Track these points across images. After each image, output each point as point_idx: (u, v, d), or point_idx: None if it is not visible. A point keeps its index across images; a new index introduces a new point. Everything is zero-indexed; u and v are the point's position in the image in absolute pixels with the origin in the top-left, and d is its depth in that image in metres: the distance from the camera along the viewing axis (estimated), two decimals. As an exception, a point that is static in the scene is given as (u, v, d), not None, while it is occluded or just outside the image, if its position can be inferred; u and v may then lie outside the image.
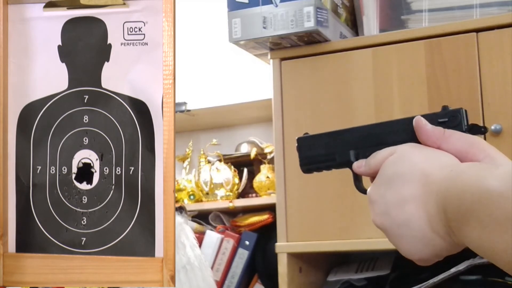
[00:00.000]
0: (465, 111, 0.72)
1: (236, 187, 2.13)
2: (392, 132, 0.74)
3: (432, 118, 0.71)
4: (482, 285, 1.45)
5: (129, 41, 1.16)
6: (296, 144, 0.82)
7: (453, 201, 0.60)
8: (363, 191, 0.77)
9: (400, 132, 0.74)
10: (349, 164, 0.77)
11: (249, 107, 2.11)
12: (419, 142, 0.71)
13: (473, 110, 1.42)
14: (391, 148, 0.71)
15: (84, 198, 1.17)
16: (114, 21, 1.16)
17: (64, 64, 1.19)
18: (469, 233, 0.58)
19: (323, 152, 0.79)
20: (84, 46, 1.18)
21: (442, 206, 0.62)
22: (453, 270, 1.45)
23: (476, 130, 0.72)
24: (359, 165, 0.74)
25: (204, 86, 2.17)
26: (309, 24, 1.48)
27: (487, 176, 0.57)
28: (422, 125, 0.70)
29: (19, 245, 1.20)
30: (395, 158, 0.69)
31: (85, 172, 1.18)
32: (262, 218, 2.04)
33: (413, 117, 0.73)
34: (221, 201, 2.10)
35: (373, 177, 0.73)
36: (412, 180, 0.66)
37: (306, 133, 0.82)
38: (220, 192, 2.11)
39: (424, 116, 0.72)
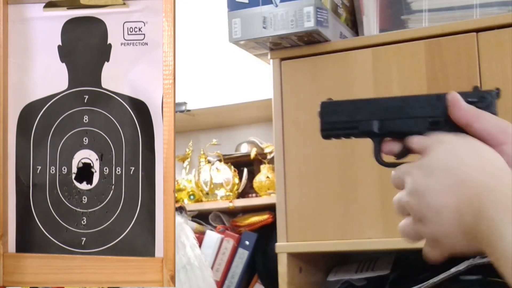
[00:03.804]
0: (496, 93, 0.71)
1: (236, 187, 2.13)
2: (419, 107, 0.74)
3: (464, 97, 0.71)
4: (482, 285, 1.45)
5: (129, 41, 1.16)
6: (319, 109, 0.80)
7: (485, 221, 0.60)
8: (383, 163, 0.76)
9: (427, 107, 0.73)
10: (370, 134, 0.76)
11: (249, 107, 2.11)
12: (447, 118, 0.71)
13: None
14: (442, 136, 0.69)
15: (84, 198, 1.17)
16: (114, 21, 1.17)
17: (64, 64, 1.19)
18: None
19: (345, 119, 0.78)
20: (84, 46, 1.18)
21: (474, 217, 0.62)
22: (453, 270, 1.45)
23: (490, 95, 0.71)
24: (416, 141, 0.72)
25: (204, 86, 2.17)
26: (309, 24, 1.48)
27: None
28: (458, 101, 0.70)
29: (19, 245, 1.20)
30: (447, 150, 0.68)
31: (85, 172, 1.18)
32: (262, 218, 2.04)
33: (441, 94, 0.72)
34: (221, 201, 2.10)
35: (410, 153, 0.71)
36: (455, 179, 0.65)
37: (330, 99, 0.81)
38: (220, 192, 2.11)
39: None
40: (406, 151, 0.75)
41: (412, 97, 0.75)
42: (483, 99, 0.71)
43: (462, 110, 0.70)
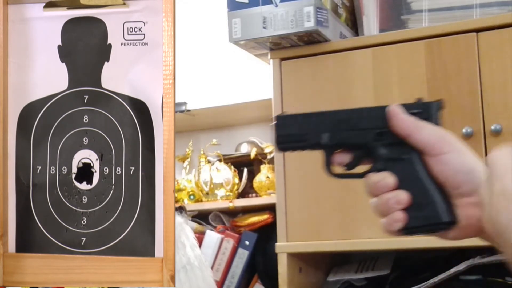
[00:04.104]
0: (437, 104, 0.74)
1: (236, 187, 2.13)
2: (365, 118, 0.76)
3: (405, 109, 0.74)
4: (482, 285, 1.45)
5: (129, 41, 1.16)
6: (274, 122, 0.82)
7: None
8: (332, 174, 0.79)
9: (373, 118, 0.76)
10: (321, 146, 0.79)
11: (249, 107, 2.11)
12: (390, 129, 0.73)
13: (473, 110, 1.42)
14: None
15: (84, 198, 1.17)
16: (114, 21, 1.17)
17: (64, 64, 1.19)
18: None
19: (298, 132, 0.80)
20: (84, 46, 1.18)
21: None
22: (453, 270, 1.45)
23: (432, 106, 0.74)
24: (397, 111, 0.74)
25: (204, 86, 2.16)
26: (309, 24, 1.48)
27: None
28: (396, 113, 0.72)
29: (19, 245, 1.20)
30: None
31: (85, 172, 1.18)
32: (262, 218, 2.04)
33: (385, 106, 0.74)
34: (221, 201, 2.10)
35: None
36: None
37: (285, 112, 0.83)
38: (220, 192, 2.11)
39: (399, 106, 0.74)
40: (355, 162, 0.78)
41: (359, 109, 0.77)
42: (425, 110, 0.73)
43: (401, 121, 0.72)
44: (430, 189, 0.72)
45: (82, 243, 1.17)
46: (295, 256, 1.58)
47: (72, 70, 1.19)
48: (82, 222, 1.17)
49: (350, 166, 0.78)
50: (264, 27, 1.52)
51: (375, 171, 0.75)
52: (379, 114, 0.75)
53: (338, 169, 0.79)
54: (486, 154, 1.41)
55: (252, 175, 2.14)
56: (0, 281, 1.19)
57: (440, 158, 0.70)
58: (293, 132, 0.80)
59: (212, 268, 1.96)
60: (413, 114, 0.73)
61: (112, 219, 1.16)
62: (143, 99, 1.16)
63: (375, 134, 0.76)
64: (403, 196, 0.71)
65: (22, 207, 1.20)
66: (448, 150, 0.70)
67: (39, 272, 1.18)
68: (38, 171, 1.19)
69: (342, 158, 0.78)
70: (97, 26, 1.17)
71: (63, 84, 1.19)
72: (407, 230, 0.72)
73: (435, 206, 0.71)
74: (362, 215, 1.47)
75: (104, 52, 1.17)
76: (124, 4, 1.16)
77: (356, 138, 0.77)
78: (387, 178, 0.73)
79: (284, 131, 0.81)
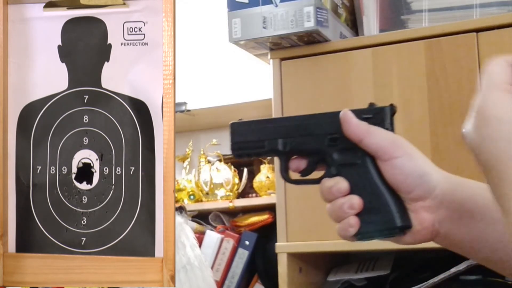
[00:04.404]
0: (390, 109, 0.74)
1: (236, 187, 2.13)
2: (318, 124, 0.77)
3: (358, 114, 0.74)
4: (482, 285, 1.45)
5: (129, 41, 1.16)
6: (229, 129, 0.83)
7: None
8: (289, 180, 0.79)
9: (325, 124, 0.76)
10: (276, 153, 0.79)
11: (249, 107, 2.11)
12: (343, 136, 0.74)
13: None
14: None
15: (84, 198, 1.17)
16: (114, 21, 1.16)
17: (64, 64, 1.19)
18: None
19: (253, 138, 0.81)
20: (84, 46, 1.18)
21: None
22: (453, 270, 1.45)
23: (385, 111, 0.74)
24: (349, 116, 0.74)
25: (204, 86, 2.17)
26: (309, 24, 1.48)
27: None
28: (348, 118, 0.73)
29: (19, 245, 1.20)
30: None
31: (85, 172, 1.18)
32: (262, 218, 2.04)
33: (338, 112, 0.75)
34: (221, 201, 2.10)
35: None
36: None
37: (241, 119, 0.84)
38: (220, 192, 2.11)
39: (351, 111, 0.74)
40: (310, 168, 0.78)
41: (312, 116, 0.78)
42: (377, 115, 0.73)
43: (353, 126, 0.72)
44: (383, 193, 0.72)
45: (82, 243, 1.17)
46: (295, 256, 1.58)
47: (72, 70, 1.19)
48: (82, 222, 1.17)
49: (305, 172, 0.79)
50: (264, 27, 1.52)
51: (329, 177, 0.75)
52: (332, 119, 0.76)
53: (295, 175, 0.80)
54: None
55: (252, 175, 2.15)
56: (0, 281, 1.19)
57: (391, 162, 0.70)
58: (248, 139, 0.81)
59: (212, 268, 1.96)
60: (365, 119, 0.74)
61: (112, 219, 1.16)
62: (143, 99, 1.15)
63: (329, 140, 0.76)
64: (356, 201, 0.71)
65: (22, 207, 1.20)
66: (400, 154, 0.70)
67: (39, 272, 1.18)
68: (38, 171, 1.19)
69: (298, 163, 0.79)
70: (97, 26, 1.17)
71: (63, 84, 1.19)
72: (361, 235, 0.72)
73: (389, 210, 0.71)
74: (362, 215, 1.47)
75: (104, 52, 1.17)
76: (124, 4, 1.16)
77: (310, 144, 0.77)
78: (340, 183, 0.73)
79: (240, 138, 0.82)
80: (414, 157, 0.70)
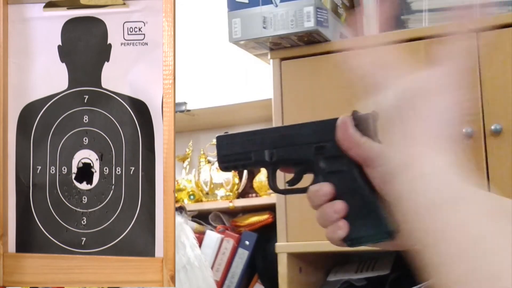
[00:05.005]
0: (374, 115, 0.73)
1: (236, 187, 2.13)
2: (304, 134, 0.77)
3: None
4: (482, 285, 1.45)
5: (129, 41, 1.16)
6: (215, 142, 0.83)
7: None
8: (278, 190, 0.81)
9: (312, 133, 0.77)
10: (263, 164, 0.80)
11: (249, 107, 2.11)
12: (330, 144, 0.74)
13: (473, 110, 1.42)
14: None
15: (84, 198, 1.17)
16: (114, 21, 1.16)
17: (64, 64, 1.19)
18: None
19: (239, 151, 0.81)
20: (84, 46, 1.18)
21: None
22: (453, 270, 1.44)
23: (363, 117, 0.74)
24: (348, 125, 0.74)
25: (204, 86, 2.17)
26: (309, 24, 1.48)
27: None
28: (346, 126, 0.73)
29: (19, 245, 1.20)
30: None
31: (85, 172, 1.18)
32: (262, 218, 2.04)
33: (327, 120, 0.75)
34: (221, 201, 2.10)
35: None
36: None
37: (226, 132, 0.84)
38: (220, 192, 2.11)
39: (335, 118, 0.74)
40: (297, 177, 0.79)
41: (298, 125, 0.78)
42: (361, 122, 0.73)
43: (347, 134, 0.72)
44: (371, 199, 0.72)
45: (82, 243, 1.17)
46: (295, 256, 1.58)
47: (72, 70, 1.19)
48: (82, 222, 1.17)
49: (292, 181, 0.79)
50: (264, 27, 1.52)
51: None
52: (318, 128, 0.76)
53: (282, 185, 0.81)
54: (486, 154, 1.41)
55: (252, 175, 2.15)
56: (0, 281, 1.19)
57: (378, 170, 0.70)
58: (234, 151, 0.81)
59: (212, 268, 1.96)
60: None
61: (112, 219, 1.16)
62: (143, 99, 1.15)
63: (315, 148, 0.76)
64: (339, 206, 0.72)
65: (22, 207, 1.20)
66: (376, 164, 0.70)
67: (39, 272, 1.18)
68: (38, 171, 1.19)
69: (286, 173, 0.80)
70: (97, 26, 1.17)
71: (63, 84, 1.19)
72: (352, 241, 0.73)
73: (377, 216, 0.72)
74: (362, 215, 1.47)
75: (104, 52, 1.17)
76: (124, 4, 1.16)
77: (296, 154, 0.78)
78: (324, 186, 0.74)
79: (226, 151, 0.82)
80: (400, 171, 0.69)
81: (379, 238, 0.73)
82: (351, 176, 0.73)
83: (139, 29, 1.15)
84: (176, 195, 1.74)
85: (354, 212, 0.72)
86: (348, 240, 0.73)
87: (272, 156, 0.79)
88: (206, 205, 2.13)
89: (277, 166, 0.80)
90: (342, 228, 0.72)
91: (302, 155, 0.77)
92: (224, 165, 0.82)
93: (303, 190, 0.77)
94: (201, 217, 2.13)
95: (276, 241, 1.56)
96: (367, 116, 0.73)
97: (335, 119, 0.74)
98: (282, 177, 0.82)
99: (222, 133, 0.83)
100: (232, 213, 2.16)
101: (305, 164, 0.77)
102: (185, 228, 1.83)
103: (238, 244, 2.03)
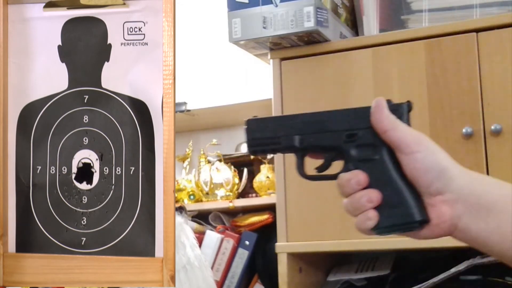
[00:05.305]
0: (407, 105, 0.75)
1: (236, 187, 2.13)
2: (335, 121, 0.77)
3: None
4: (482, 285, 1.45)
5: (129, 41, 1.16)
6: (245, 126, 0.83)
7: None
8: (305, 176, 0.80)
9: (343, 120, 0.77)
10: (293, 149, 0.80)
11: (249, 107, 2.11)
12: (361, 132, 0.75)
13: (473, 110, 1.42)
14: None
15: (84, 198, 1.17)
16: (114, 21, 1.17)
17: (64, 64, 1.19)
18: None
19: (269, 135, 0.81)
20: (84, 46, 1.18)
21: None
22: (453, 270, 1.45)
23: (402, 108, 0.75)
24: (383, 105, 0.75)
25: (204, 86, 2.17)
26: (309, 24, 1.48)
27: None
28: (382, 107, 0.74)
29: (19, 245, 1.20)
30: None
31: (85, 172, 1.18)
32: (262, 218, 2.04)
33: (358, 108, 0.76)
34: (221, 201, 2.10)
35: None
36: None
37: (255, 116, 0.85)
38: (220, 192, 2.11)
39: (368, 106, 0.75)
40: (327, 164, 0.79)
41: (329, 112, 0.79)
42: (395, 111, 0.74)
43: (384, 116, 0.74)
44: (401, 188, 0.73)
45: (82, 243, 1.17)
46: (295, 256, 1.58)
47: (72, 70, 1.19)
48: (82, 222, 1.17)
49: (321, 168, 0.79)
50: (264, 27, 1.52)
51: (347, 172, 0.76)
52: (350, 115, 0.77)
53: (311, 171, 0.80)
54: (486, 154, 1.41)
55: (252, 175, 2.14)
56: (0, 281, 1.19)
57: (413, 156, 0.72)
58: (264, 136, 0.81)
59: (212, 268, 1.96)
60: None
61: (112, 219, 1.16)
62: (143, 99, 1.15)
63: (346, 136, 0.76)
64: (374, 195, 0.73)
65: (22, 207, 1.20)
66: (422, 149, 0.72)
67: (39, 272, 1.18)
68: (38, 171, 1.19)
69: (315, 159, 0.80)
70: (97, 26, 1.17)
71: (63, 84, 1.19)
72: (380, 229, 0.73)
73: (407, 205, 0.72)
74: (362, 215, 1.47)
75: (104, 52, 1.17)
76: (124, 4, 1.16)
77: (327, 140, 0.78)
78: (358, 175, 0.74)
79: (255, 135, 0.82)
80: (435, 152, 0.72)
81: (409, 228, 0.73)
82: (383, 165, 0.74)
83: (139, 29, 1.15)
84: (176, 195, 1.74)
85: (385, 201, 0.72)
86: (377, 229, 0.73)
87: (302, 141, 0.79)
88: (206, 205, 2.13)
89: (306, 152, 0.80)
90: (373, 218, 0.72)
91: (333, 142, 0.77)
92: (253, 149, 0.82)
93: (333, 177, 0.77)
94: (201, 217, 2.13)
95: (276, 241, 1.56)
96: (401, 105, 0.74)
97: (368, 107, 0.75)
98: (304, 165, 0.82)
99: (252, 117, 0.84)
100: (232, 213, 2.16)
101: (335, 151, 0.78)
102: (185, 228, 1.83)
103: (238, 244, 2.03)
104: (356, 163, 0.75)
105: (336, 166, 0.78)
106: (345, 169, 0.76)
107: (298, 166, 0.80)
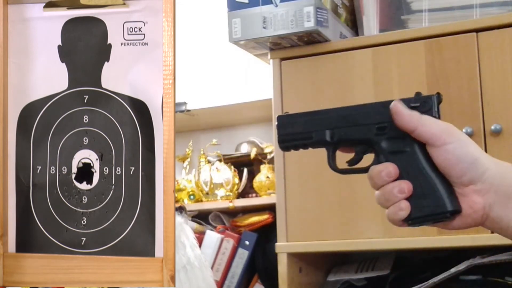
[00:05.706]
0: (437, 97, 0.76)
1: (236, 187, 2.13)
2: (365, 114, 0.78)
3: (406, 103, 0.76)
4: (482, 285, 1.45)
5: (129, 41, 1.16)
6: (276, 122, 0.84)
7: None
8: (337, 170, 0.81)
9: (373, 114, 0.78)
10: (324, 143, 0.81)
11: (249, 107, 2.11)
12: (392, 125, 0.75)
13: (473, 110, 1.42)
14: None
15: (84, 198, 1.17)
16: (114, 21, 1.16)
17: (64, 64, 1.19)
18: None
19: (300, 130, 0.82)
20: (84, 46, 1.18)
21: None
22: (453, 270, 1.45)
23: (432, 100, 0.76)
24: (400, 108, 0.75)
25: (204, 86, 2.17)
26: (309, 24, 1.48)
27: None
28: (400, 110, 0.75)
29: (19, 245, 1.20)
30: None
31: (85, 172, 1.18)
32: (262, 218, 2.04)
33: (387, 101, 0.76)
34: (221, 201, 2.10)
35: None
36: None
37: (286, 112, 0.85)
38: (220, 192, 2.11)
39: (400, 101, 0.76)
40: (358, 158, 0.80)
41: (359, 106, 0.80)
42: (424, 103, 0.76)
43: (405, 116, 0.74)
44: (433, 179, 0.73)
45: (82, 243, 1.17)
46: (295, 256, 1.58)
47: (72, 70, 1.19)
48: (82, 222, 1.17)
49: (353, 161, 0.80)
50: (264, 27, 1.52)
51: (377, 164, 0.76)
52: (379, 109, 0.77)
53: (342, 165, 0.81)
54: (486, 154, 1.41)
55: (252, 175, 2.14)
56: (0, 281, 1.19)
57: (445, 147, 0.72)
58: (295, 131, 0.82)
59: (212, 268, 1.96)
60: (413, 108, 0.75)
61: (112, 219, 1.16)
62: (143, 99, 1.15)
63: (376, 129, 0.77)
64: (406, 185, 0.73)
65: (22, 207, 1.20)
66: (452, 140, 0.72)
67: (39, 272, 1.18)
68: (38, 171, 1.19)
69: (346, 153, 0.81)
70: (97, 26, 1.17)
71: (63, 84, 1.19)
72: (412, 220, 0.74)
73: (439, 195, 0.73)
74: (362, 215, 1.47)
75: (104, 52, 1.17)
76: (124, 4, 1.16)
77: (358, 134, 0.79)
78: (388, 167, 0.75)
79: (286, 131, 0.83)
80: (466, 143, 0.73)
81: (441, 218, 0.74)
82: (415, 156, 0.74)
83: (139, 29, 1.15)
84: (176, 195, 1.74)
85: (416, 192, 0.73)
86: (409, 220, 0.73)
87: (333, 136, 0.80)
88: (206, 205, 2.13)
89: (337, 146, 0.81)
90: (405, 209, 0.73)
91: (363, 135, 0.78)
92: (284, 145, 0.83)
93: (364, 170, 0.78)
94: (201, 217, 2.13)
95: (276, 241, 1.56)
96: (431, 97, 0.75)
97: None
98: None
99: (282, 113, 0.85)
100: (232, 213, 2.16)
101: (366, 144, 0.78)
102: (185, 228, 1.83)
103: (238, 244, 2.03)
104: (387, 155, 0.76)
105: (367, 159, 0.79)
106: (376, 161, 0.77)
107: (330, 160, 0.81)
